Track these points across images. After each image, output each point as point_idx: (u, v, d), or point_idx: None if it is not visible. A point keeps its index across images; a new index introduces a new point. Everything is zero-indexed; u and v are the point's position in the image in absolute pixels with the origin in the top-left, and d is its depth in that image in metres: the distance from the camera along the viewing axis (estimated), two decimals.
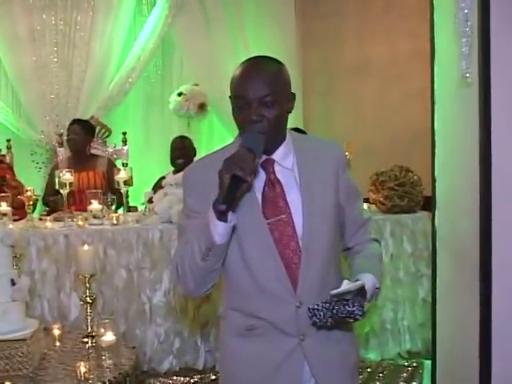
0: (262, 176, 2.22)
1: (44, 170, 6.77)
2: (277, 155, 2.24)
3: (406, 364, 4.54)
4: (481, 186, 2.76)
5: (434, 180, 3.43)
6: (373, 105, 7.57)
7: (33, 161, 6.76)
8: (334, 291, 2.05)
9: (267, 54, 2.28)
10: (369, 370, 4.49)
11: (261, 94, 2.12)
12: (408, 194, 4.71)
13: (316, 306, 2.07)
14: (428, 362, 4.24)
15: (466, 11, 2.58)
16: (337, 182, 2.26)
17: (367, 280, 2.16)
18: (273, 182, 2.22)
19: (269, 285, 2.18)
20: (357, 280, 2.14)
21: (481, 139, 2.75)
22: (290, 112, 2.23)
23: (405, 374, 4.50)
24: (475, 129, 2.77)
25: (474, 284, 2.88)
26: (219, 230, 2.04)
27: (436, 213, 3.42)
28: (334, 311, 2.04)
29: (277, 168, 2.23)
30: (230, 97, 2.19)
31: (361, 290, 2.09)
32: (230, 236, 2.10)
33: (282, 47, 7.10)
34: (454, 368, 3.45)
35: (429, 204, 3.79)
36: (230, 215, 2.03)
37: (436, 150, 3.39)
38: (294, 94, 2.24)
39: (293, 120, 6.95)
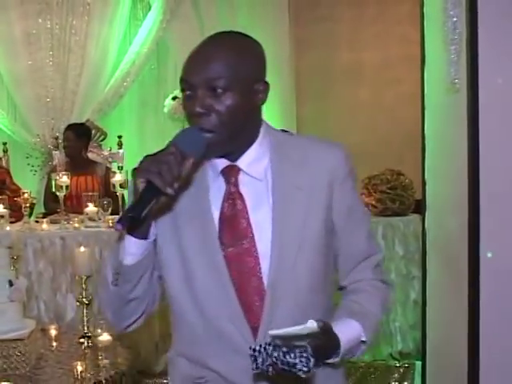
0: (222, 188, 1.71)
1: (39, 172, 6.82)
2: (243, 161, 1.70)
3: (398, 364, 4.66)
4: (469, 188, 2.84)
5: (424, 183, 3.51)
6: (366, 108, 7.62)
7: (28, 164, 6.78)
8: (273, 332, 1.51)
9: None
10: (361, 370, 4.58)
11: (206, 75, 1.60)
12: (399, 197, 4.80)
13: (258, 348, 1.50)
14: (419, 363, 4.33)
15: (455, 20, 2.66)
16: (329, 197, 1.71)
17: (347, 329, 1.65)
18: (233, 197, 1.70)
19: (221, 328, 1.70)
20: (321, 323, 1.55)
21: (469, 143, 2.84)
22: (262, 104, 1.70)
23: (396, 375, 4.59)
24: (464, 133, 2.86)
25: (463, 284, 2.96)
26: (131, 247, 1.64)
27: (426, 215, 3.51)
28: (274, 358, 1.48)
29: (242, 178, 1.71)
30: None
31: (316, 338, 1.53)
32: (150, 257, 1.68)
33: (275, 52, 7.14)
34: (443, 368, 3.52)
35: (420, 207, 3.87)
36: (151, 230, 1.65)
37: (426, 154, 3.48)
38: (266, 83, 1.69)
39: (286, 123, 7.03)
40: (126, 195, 5.36)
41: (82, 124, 6.24)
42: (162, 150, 1.55)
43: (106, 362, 3.20)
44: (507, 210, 2.89)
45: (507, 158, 2.84)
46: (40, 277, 4.32)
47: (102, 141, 6.54)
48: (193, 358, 1.76)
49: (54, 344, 3.53)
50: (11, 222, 4.52)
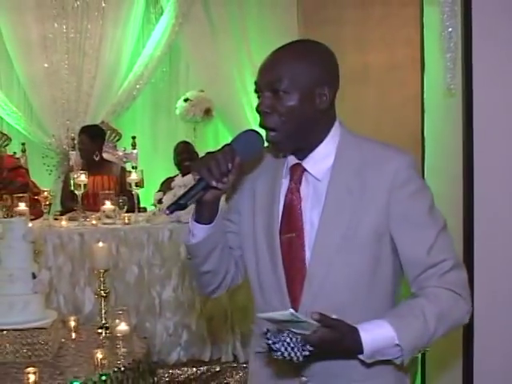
0: (286, 182, 1.87)
1: (55, 172, 7.01)
2: (308, 160, 1.83)
3: None
4: (464, 186, 3.00)
5: None
6: (371, 110, 7.62)
7: (44, 163, 6.96)
8: (262, 314, 1.67)
9: None
10: None
11: (269, 78, 1.76)
12: None
13: (270, 328, 1.65)
14: (419, 355, 4.46)
15: (450, 30, 2.82)
16: (386, 205, 1.76)
17: (374, 328, 1.68)
18: (292, 193, 1.84)
19: (271, 303, 1.85)
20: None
21: (464, 144, 2.99)
22: (326, 107, 1.79)
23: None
24: (459, 135, 3.01)
25: None
26: (194, 229, 1.84)
27: None
28: (270, 341, 1.64)
29: (306, 175, 1.84)
30: None
31: (317, 330, 1.62)
32: (213, 238, 1.86)
33: None
34: (441, 359, 3.65)
35: None
36: (217, 218, 1.83)
37: (425, 154, 3.62)
38: (331, 88, 1.78)
39: None
40: (141, 194, 5.56)
41: (95, 125, 6.39)
42: (220, 150, 1.74)
43: (123, 350, 3.33)
44: (501, 208, 3.03)
45: (500, 158, 3.00)
46: (59, 271, 4.46)
47: (116, 141, 6.70)
48: (259, 331, 1.83)
49: (74, 334, 3.65)
50: (31, 220, 4.67)
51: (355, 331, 1.66)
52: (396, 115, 7.48)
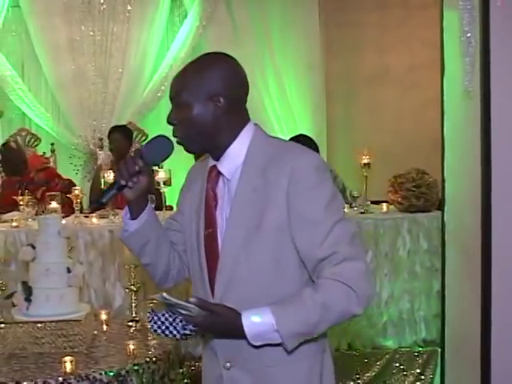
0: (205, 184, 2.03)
1: (81, 172, 7.14)
2: (220, 162, 1.98)
3: (422, 351, 4.79)
4: (482, 185, 3.10)
5: (443, 181, 3.76)
6: (392, 111, 7.69)
7: (71, 163, 7.11)
8: (152, 296, 1.94)
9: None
10: (387, 356, 4.78)
11: (173, 94, 1.98)
12: (424, 195, 4.97)
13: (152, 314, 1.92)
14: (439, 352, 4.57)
15: (469, 35, 2.93)
16: (286, 201, 1.86)
17: (255, 313, 1.81)
18: (207, 192, 2.01)
19: (199, 294, 1.97)
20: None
21: (482, 145, 3.10)
22: (219, 115, 1.92)
23: (420, 361, 4.76)
24: (477, 135, 3.11)
25: (477, 272, 3.21)
26: (125, 224, 2.09)
27: (445, 210, 3.75)
28: (149, 319, 1.90)
29: (222, 176, 1.99)
30: None
31: (198, 314, 1.79)
32: (142, 234, 2.05)
33: (306, 56, 7.35)
34: (460, 352, 3.75)
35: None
36: (141, 214, 2.03)
37: (445, 155, 3.72)
38: (225, 98, 1.92)
39: (317, 124, 7.22)
40: (169, 192, 5.65)
41: (125, 126, 6.53)
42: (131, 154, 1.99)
43: (154, 342, 3.37)
44: None
45: None
46: (90, 267, 4.55)
47: (143, 141, 6.82)
48: None
49: (105, 327, 3.65)
50: (62, 217, 4.81)
51: (237, 316, 1.81)
52: (415, 116, 7.55)
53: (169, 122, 1.99)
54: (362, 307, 1.84)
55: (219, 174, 2.00)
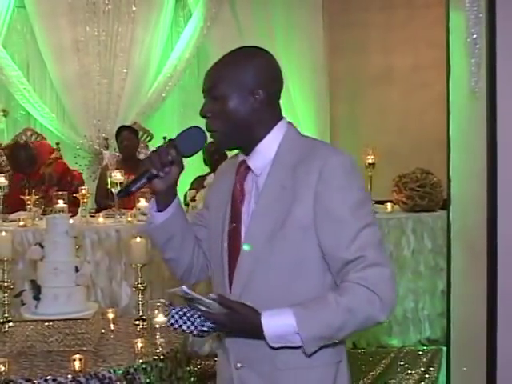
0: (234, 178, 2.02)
1: (86, 171, 7.12)
2: (250, 157, 1.97)
3: (426, 350, 4.82)
4: (488, 185, 3.12)
5: (449, 180, 3.79)
6: (396, 111, 7.69)
7: (76, 163, 7.06)
8: (170, 290, 1.87)
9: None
10: (392, 355, 4.81)
11: (209, 86, 1.94)
12: (428, 195, 5.00)
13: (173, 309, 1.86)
14: (446, 349, 4.55)
15: (475, 36, 2.95)
16: (313, 200, 1.84)
17: (277, 315, 1.79)
18: (235, 187, 2.00)
19: (218, 290, 1.96)
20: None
21: (488, 144, 3.12)
22: (258, 109, 1.92)
23: (424, 359, 4.80)
24: (483, 135, 3.14)
25: (483, 271, 3.24)
26: (150, 216, 2.03)
27: (450, 209, 3.78)
28: (170, 314, 1.84)
29: (250, 172, 1.98)
30: None
31: (220, 313, 1.78)
32: (168, 226, 2.00)
33: (310, 56, 7.37)
34: (466, 351, 3.77)
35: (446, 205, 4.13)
36: (171, 208, 1.98)
37: (451, 155, 3.75)
38: (264, 91, 1.91)
39: (320, 124, 7.22)
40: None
41: (131, 126, 6.55)
42: (163, 144, 1.95)
43: (161, 340, 3.41)
44: None
45: None
46: (97, 266, 4.56)
47: (148, 142, 6.85)
48: None
49: (113, 326, 3.74)
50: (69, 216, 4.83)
51: (257, 315, 1.79)
52: (419, 116, 7.55)
53: (202, 115, 1.96)
54: (386, 314, 1.82)
55: (248, 169, 1.99)
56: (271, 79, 1.96)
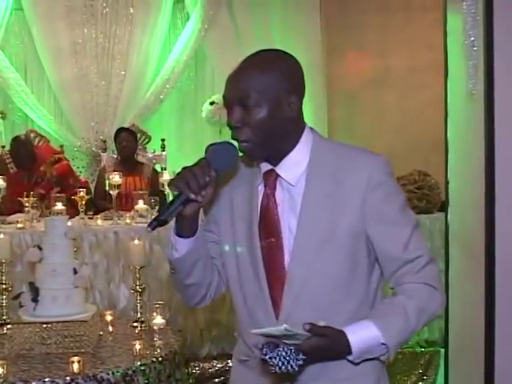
0: (262, 189, 1.89)
1: (84, 173, 7.15)
2: (281, 166, 1.85)
3: (424, 352, 4.85)
4: (486, 187, 3.13)
5: (446, 182, 3.80)
6: (393, 113, 7.71)
7: (74, 165, 7.01)
8: (256, 330, 1.69)
9: None
10: None
11: (239, 94, 1.79)
12: (426, 196, 5.02)
13: (264, 343, 1.68)
14: (444, 350, 4.56)
15: (473, 39, 2.96)
16: (361, 206, 1.79)
17: (359, 329, 1.73)
18: (268, 198, 1.87)
19: (254, 310, 1.88)
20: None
21: (486, 146, 3.13)
22: (294, 116, 1.82)
23: (422, 361, 4.83)
24: (481, 137, 3.15)
25: (481, 272, 3.25)
26: (176, 244, 1.85)
27: (448, 211, 3.79)
28: (267, 356, 1.66)
29: (279, 182, 1.87)
30: None
31: (308, 339, 1.66)
32: (197, 251, 1.87)
33: (307, 58, 7.26)
34: (464, 353, 3.77)
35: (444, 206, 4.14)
36: (198, 231, 1.83)
37: (449, 156, 3.76)
38: (297, 97, 1.82)
39: (318, 126, 7.23)
40: (170, 194, 5.66)
41: (129, 128, 6.55)
42: (196, 163, 1.74)
43: (160, 342, 3.37)
44: None
45: None
46: (95, 268, 4.57)
47: (146, 144, 6.86)
48: (243, 338, 1.95)
49: (111, 328, 3.66)
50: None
51: (343, 335, 1.71)
52: (417, 118, 7.56)
53: (232, 125, 1.81)
54: (443, 306, 1.89)
55: (277, 178, 1.87)
56: (301, 85, 1.87)
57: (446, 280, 3.91)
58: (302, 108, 1.87)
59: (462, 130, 3.60)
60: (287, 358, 1.65)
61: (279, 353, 1.65)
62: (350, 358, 1.75)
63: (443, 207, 4.59)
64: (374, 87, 7.79)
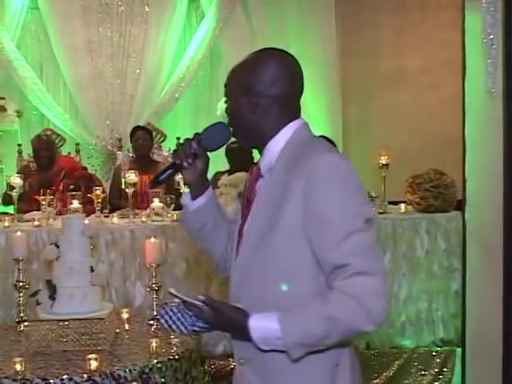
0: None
1: (99, 172, 7.16)
2: (260, 158, 2.02)
3: (440, 351, 4.80)
4: (504, 185, 3.13)
5: (464, 180, 3.78)
6: (408, 112, 7.71)
7: (89, 163, 7.11)
8: (172, 289, 1.91)
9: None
10: (405, 355, 4.79)
11: (224, 84, 2.05)
12: (442, 195, 4.99)
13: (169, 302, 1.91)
14: (459, 349, 4.54)
15: (492, 37, 2.96)
16: (303, 201, 1.82)
17: (262, 318, 1.81)
18: (246, 187, 2.08)
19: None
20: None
21: (504, 144, 3.12)
22: (254, 112, 1.95)
23: (438, 360, 4.77)
24: (499, 136, 3.14)
25: (499, 272, 3.23)
26: (185, 204, 2.17)
27: (466, 210, 3.78)
28: (162, 312, 1.89)
29: (259, 173, 2.01)
30: None
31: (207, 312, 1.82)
32: (200, 216, 2.13)
33: (322, 58, 7.39)
34: (481, 353, 3.77)
35: (461, 205, 4.12)
36: (203, 197, 2.12)
37: (466, 155, 3.75)
38: (262, 97, 1.94)
39: (333, 126, 7.27)
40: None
41: (145, 126, 6.59)
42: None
43: (176, 340, 3.39)
44: None
45: None
46: (111, 266, 4.56)
47: (161, 142, 6.89)
48: None
49: (127, 325, 3.74)
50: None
51: (245, 317, 1.81)
52: (432, 117, 7.56)
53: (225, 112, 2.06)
54: (372, 324, 1.77)
55: (259, 169, 2.02)
56: (277, 82, 1.94)
57: (463, 279, 3.90)
58: (284, 103, 1.97)
59: (479, 129, 3.59)
60: (178, 319, 1.84)
61: (167, 312, 1.85)
62: (256, 343, 1.83)
63: (459, 206, 4.62)
64: (388, 86, 7.81)
